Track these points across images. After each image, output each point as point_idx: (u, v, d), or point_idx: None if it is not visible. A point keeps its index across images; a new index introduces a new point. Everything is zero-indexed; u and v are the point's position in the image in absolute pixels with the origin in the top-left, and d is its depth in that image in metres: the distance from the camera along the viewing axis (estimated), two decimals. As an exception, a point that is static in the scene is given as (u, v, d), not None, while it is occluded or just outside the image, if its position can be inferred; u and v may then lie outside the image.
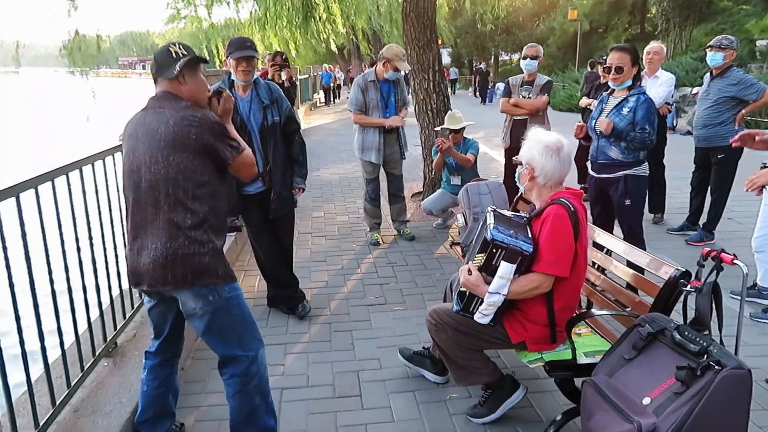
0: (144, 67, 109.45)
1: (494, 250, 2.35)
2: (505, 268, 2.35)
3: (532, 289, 2.39)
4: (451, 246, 5.37)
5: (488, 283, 2.39)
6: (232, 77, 3.58)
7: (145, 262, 2.17)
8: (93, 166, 2.86)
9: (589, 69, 17.01)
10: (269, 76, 7.28)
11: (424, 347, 3.20)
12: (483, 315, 2.46)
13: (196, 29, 17.54)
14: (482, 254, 2.40)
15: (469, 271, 2.43)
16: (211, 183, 2.22)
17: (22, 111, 32.69)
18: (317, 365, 3.31)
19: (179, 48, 2.27)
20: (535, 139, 2.55)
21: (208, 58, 2.52)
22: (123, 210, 2.99)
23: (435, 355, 3.07)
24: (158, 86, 2.30)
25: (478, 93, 27.37)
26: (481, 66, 28.58)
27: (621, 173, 3.87)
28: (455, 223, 5.99)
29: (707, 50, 5.19)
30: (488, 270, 2.39)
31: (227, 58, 3.53)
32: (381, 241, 5.60)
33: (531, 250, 2.34)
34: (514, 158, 2.71)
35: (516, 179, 2.65)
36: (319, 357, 3.41)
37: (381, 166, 5.48)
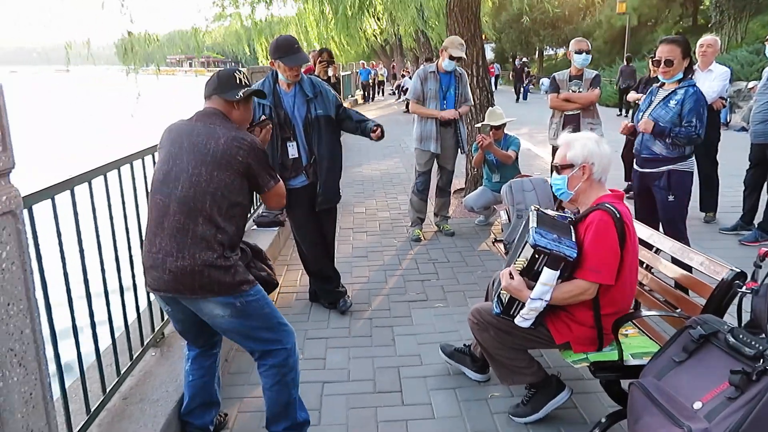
0: (191, 65, 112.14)
1: (537, 256, 2.30)
2: (548, 275, 2.30)
3: (576, 295, 2.35)
4: (493, 243, 5.31)
5: (530, 287, 2.35)
6: (279, 75, 3.61)
7: (171, 268, 2.17)
8: (143, 160, 2.94)
9: (625, 63, 16.73)
10: (315, 73, 7.37)
11: (465, 344, 3.17)
12: (524, 319, 2.42)
13: (240, 27, 17.83)
14: (524, 258, 2.35)
15: (511, 275, 2.39)
16: (243, 205, 2.30)
17: (73, 107, 33.87)
18: (358, 360, 3.32)
19: (243, 76, 2.39)
20: (580, 138, 2.53)
21: (265, 94, 2.64)
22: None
23: (476, 353, 3.04)
24: (209, 102, 2.37)
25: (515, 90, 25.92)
26: (515, 62, 27.38)
27: (665, 168, 3.75)
28: (498, 220, 5.92)
29: (766, 42, 4.98)
30: (530, 274, 2.34)
31: (276, 59, 3.51)
32: (423, 238, 5.59)
33: (575, 255, 2.29)
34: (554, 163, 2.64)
35: (561, 190, 2.57)
36: (360, 352, 3.42)
37: (434, 158, 5.49)
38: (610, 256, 2.31)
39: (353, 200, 7.21)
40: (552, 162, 2.63)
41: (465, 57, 5.22)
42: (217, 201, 2.19)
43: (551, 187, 2.66)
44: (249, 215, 2.48)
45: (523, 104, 23.29)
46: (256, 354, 2.40)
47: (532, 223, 2.38)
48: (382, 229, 6.03)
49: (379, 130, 3.68)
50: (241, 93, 2.33)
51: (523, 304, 2.38)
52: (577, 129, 5.07)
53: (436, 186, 5.75)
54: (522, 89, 25.58)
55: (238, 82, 2.36)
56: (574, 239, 2.36)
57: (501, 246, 4.08)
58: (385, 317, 3.90)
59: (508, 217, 3.96)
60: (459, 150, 5.46)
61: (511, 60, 42.74)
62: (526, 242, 2.34)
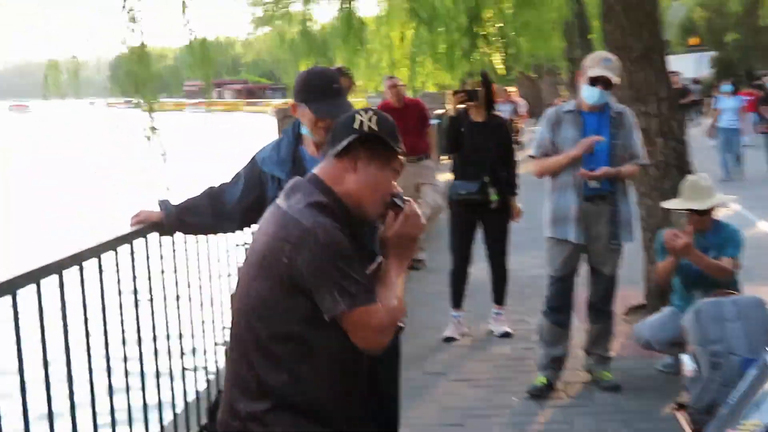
0: (221, 95, 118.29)
1: None
2: None
3: None
4: (675, 409, 5.08)
5: None
6: (301, 129, 3.72)
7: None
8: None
9: None
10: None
11: None
12: None
13: (298, 34, 18.66)
14: None
15: None
16: (303, 338, 2.26)
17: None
18: None
19: (370, 118, 2.40)
20: None
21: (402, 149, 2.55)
22: None
23: None
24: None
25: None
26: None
27: None
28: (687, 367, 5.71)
29: None
30: None
31: (301, 102, 3.57)
32: (553, 387, 5.54)
33: None
34: None
35: None
36: None
37: (579, 255, 5.48)
38: None
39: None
40: None
41: (615, 78, 5.18)
42: (253, 327, 2.28)
43: None
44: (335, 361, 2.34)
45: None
46: None
47: None
48: (497, 375, 6.01)
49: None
50: (345, 143, 2.34)
51: None
52: None
53: (587, 302, 5.69)
54: None
55: (358, 127, 2.37)
56: None
57: (685, 415, 3.92)
58: None
59: (697, 364, 3.82)
60: (617, 241, 5.39)
61: (744, 76, 41.82)
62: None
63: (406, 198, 2.46)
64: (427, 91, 16.30)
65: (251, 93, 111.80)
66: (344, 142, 2.33)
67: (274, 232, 2.26)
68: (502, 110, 23.17)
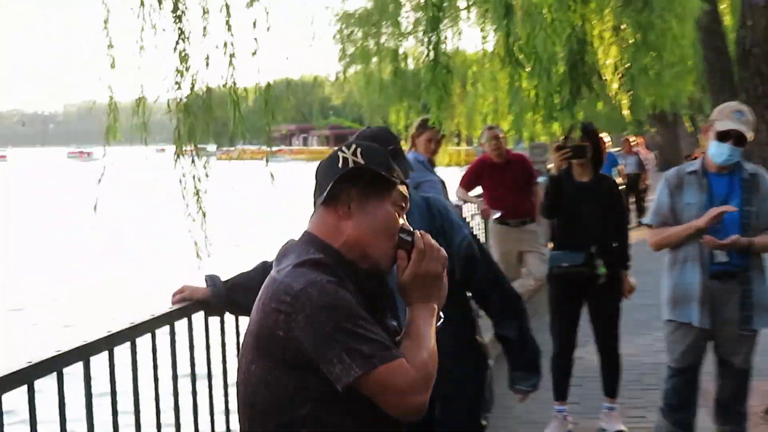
0: (306, 142, 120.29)
1: None
2: None
3: None
4: None
5: None
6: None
7: None
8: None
9: None
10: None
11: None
12: None
13: (390, 75, 18.84)
14: None
15: None
16: (319, 421, 2.21)
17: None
18: None
19: (354, 152, 2.36)
20: None
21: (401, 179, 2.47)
22: None
23: None
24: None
25: None
26: None
27: None
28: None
29: None
30: None
31: None
32: None
33: None
34: None
35: None
36: None
37: (705, 342, 5.35)
38: None
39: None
40: None
41: (749, 133, 5.07)
42: (259, 420, 2.25)
43: None
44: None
45: None
46: None
47: None
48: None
49: (525, 398, 3.91)
50: (328, 187, 2.30)
51: None
52: None
53: (714, 399, 5.55)
54: None
55: (341, 165, 2.33)
56: None
57: None
58: None
59: None
60: (751, 326, 5.23)
61: None
62: None
63: (414, 230, 2.35)
64: (538, 142, 16.11)
65: (340, 139, 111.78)
66: (329, 187, 2.28)
67: (264, 304, 2.21)
68: (625, 164, 22.83)
